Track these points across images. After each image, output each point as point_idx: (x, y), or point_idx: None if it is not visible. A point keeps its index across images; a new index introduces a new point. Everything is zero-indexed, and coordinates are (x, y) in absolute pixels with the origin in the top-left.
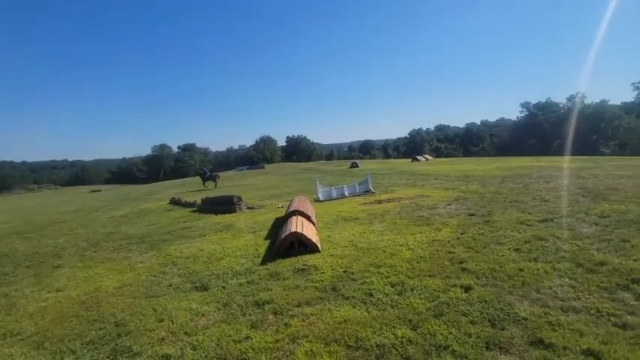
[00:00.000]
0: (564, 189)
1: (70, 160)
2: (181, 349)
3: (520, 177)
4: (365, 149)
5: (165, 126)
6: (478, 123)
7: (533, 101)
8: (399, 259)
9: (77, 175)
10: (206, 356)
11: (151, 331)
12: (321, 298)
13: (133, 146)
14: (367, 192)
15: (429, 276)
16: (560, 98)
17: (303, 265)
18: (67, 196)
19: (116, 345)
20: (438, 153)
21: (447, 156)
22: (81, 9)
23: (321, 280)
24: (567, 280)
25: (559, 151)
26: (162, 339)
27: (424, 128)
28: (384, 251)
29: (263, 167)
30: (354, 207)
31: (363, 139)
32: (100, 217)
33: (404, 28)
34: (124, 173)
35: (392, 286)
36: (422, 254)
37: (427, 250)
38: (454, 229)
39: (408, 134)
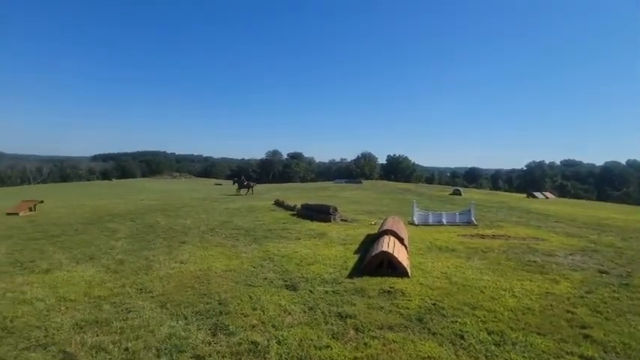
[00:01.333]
0: None
1: (204, 155)
2: (268, 340)
3: None
4: (470, 177)
5: (280, 133)
6: (623, 162)
7: None
8: (500, 306)
9: (207, 168)
10: (288, 354)
11: (245, 316)
12: (405, 327)
13: (252, 149)
14: (468, 223)
15: (538, 333)
16: None
17: (390, 288)
18: (197, 186)
19: (217, 321)
20: (562, 192)
21: (575, 197)
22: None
23: (407, 308)
24: None
25: None
26: (254, 326)
27: (547, 161)
28: (482, 292)
29: (360, 182)
30: (451, 237)
31: (470, 165)
32: (218, 206)
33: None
34: (241, 171)
35: (488, 334)
36: (530, 306)
37: (537, 302)
38: (577, 285)
39: (525, 166)
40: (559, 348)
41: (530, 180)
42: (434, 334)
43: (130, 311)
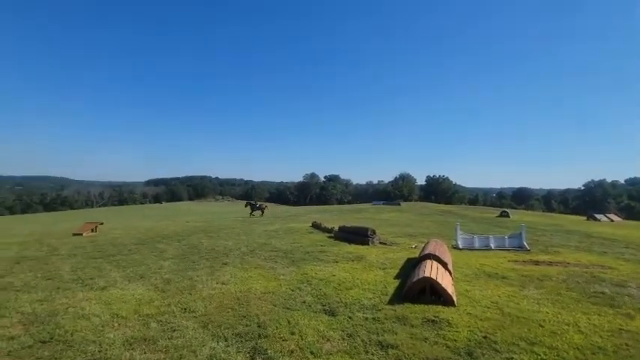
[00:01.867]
0: None
1: (244, 179)
2: None
3: None
4: (519, 198)
5: (316, 155)
6: None
7: None
8: (564, 343)
9: (247, 191)
10: None
11: (283, 340)
12: None
13: (290, 172)
14: (520, 248)
15: None
16: None
17: (434, 317)
18: (238, 208)
19: (256, 344)
20: (629, 214)
21: None
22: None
23: (455, 340)
24: None
25: None
26: (292, 351)
27: (608, 180)
28: (541, 326)
29: (399, 204)
30: (500, 262)
31: (518, 185)
32: (257, 228)
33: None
34: (279, 194)
35: None
36: (600, 344)
37: (609, 340)
38: None
39: (583, 185)
40: None
41: (589, 201)
42: None
43: (174, 330)
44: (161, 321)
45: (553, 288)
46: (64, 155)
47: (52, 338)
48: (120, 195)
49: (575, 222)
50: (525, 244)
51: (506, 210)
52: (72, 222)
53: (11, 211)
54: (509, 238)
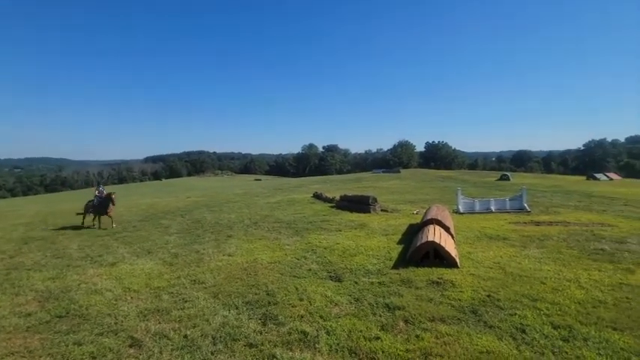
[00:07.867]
0: None
1: (242, 152)
2: (317, 331)
3: None
4: (519, 161)
5: (314, 126)
6: None
7: None
8: (566, 298)
9: (246, 165)
10: (338, 344)
11: (293, 306)
12: (459, 319)
13: (288, 144)
14: (520, 210)
15: (614, 329)
16: None
17: (439, 279)
18: (238, 182)
19: (266, 311)
20: (629, 172)
21: None
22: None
23: (459, 299)
24: None
25: None
26: (302, 316)
27: (609, 139)
28: (543, 283)
29: (399, 172)
30: (501, 225)
31: (517, 148)
32: (259, 201)
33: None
34: (278, 166)
35: (554, 328)
36: (601, 298)
37: (610, 294)
38: None
39: (583, 145)
40: None
41: (589, 161)
42: (491, 327)
43: (186, 301)
44: (172, 293)
45: (554, 247)
46: (62, 137)
47: (67, 313)
48: (119, 173)
49: (575, 182)
50: (526, 205)
51: (506, 173)
52: (74, 202)
53: (12, 193)
54: (510, 200)
